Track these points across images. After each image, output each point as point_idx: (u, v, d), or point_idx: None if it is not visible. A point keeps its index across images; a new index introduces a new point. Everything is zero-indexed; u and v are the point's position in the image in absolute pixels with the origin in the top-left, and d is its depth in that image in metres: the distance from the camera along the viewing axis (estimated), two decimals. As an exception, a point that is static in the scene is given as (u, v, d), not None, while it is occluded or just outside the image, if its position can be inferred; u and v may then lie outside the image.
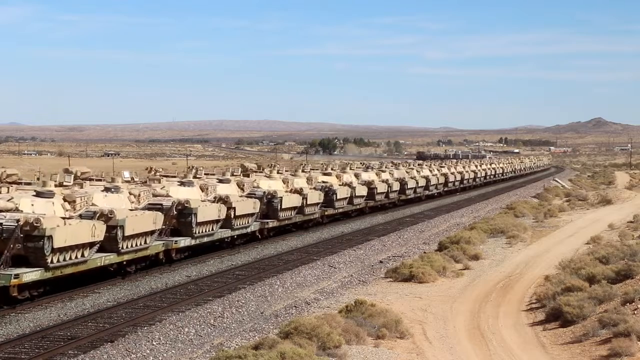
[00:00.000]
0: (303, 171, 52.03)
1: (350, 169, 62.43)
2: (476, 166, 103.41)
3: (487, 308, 24.57)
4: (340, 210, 52.29)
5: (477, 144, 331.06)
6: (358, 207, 55.73)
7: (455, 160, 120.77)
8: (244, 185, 41.25)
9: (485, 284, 28.80)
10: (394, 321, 20.91)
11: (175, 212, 32.28)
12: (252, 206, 38.72)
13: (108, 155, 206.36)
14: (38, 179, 28.62)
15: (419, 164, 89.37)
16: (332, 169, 58.75)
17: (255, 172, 46.79)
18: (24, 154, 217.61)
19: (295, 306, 25.12)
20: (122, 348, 19.87)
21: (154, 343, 20.58)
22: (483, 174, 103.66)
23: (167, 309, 24.49)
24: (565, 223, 49.73)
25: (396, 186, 64.23)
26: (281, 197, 42.12)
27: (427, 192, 74.65)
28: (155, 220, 30.25)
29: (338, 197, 50.61)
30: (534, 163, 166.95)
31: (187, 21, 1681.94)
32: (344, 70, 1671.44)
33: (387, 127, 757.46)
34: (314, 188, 48.24)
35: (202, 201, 34.91)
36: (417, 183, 70.68)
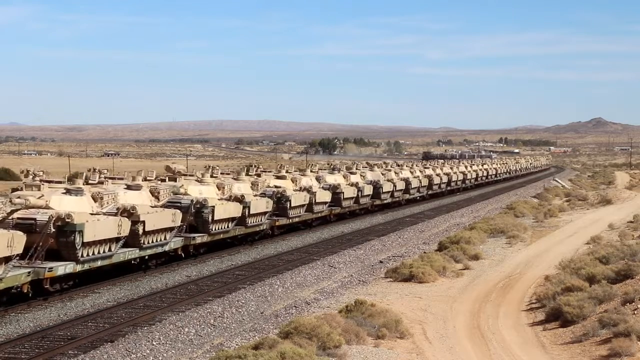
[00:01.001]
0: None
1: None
2: (466, 167, 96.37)
3: (487, 308, 24.57)
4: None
5: (477, 144, 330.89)
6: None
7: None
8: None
9: (485, 284, 28.80)
10: (394, 321, 20.91)
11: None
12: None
13: (108, 155, 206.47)
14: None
15: (397, 165, 76.74)
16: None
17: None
18: (24, 154, 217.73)
19: (295, 306, 25.12)
20: (122, 348, 19.87)
21: (154, 343, 20.58)
22: (474, 176, 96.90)
23: (167, 309, 24.49)
24: (565, 223, 49.73)
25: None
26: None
27: (406, 196, 66.89)
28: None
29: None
30: (530, 163, 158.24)
31: (187, 21, 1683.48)
32: (344, 70, 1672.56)
33: (387, 127, 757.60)
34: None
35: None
36: (395, 186, 62.71)
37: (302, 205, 45.36)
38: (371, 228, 49.53)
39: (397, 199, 64.75)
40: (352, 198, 53.86)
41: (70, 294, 26.45)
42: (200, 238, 34.76)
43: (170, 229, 31.63)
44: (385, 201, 61.28)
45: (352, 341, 19.33)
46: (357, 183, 55.09)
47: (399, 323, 20.96)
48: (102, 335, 21.29)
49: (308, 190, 46.49)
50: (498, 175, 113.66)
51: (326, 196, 49.34)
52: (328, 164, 72.55)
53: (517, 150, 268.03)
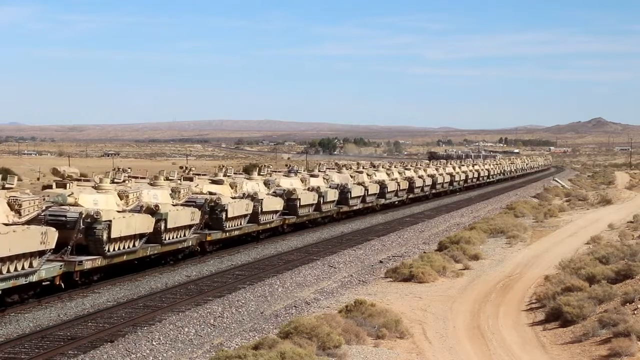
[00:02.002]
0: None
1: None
2: (454, 168, 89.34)
3: (487, 308, 24.56)
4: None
5: (477, 144, 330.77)
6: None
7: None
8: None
9: (485, 284, 28.80)
10: (393, 321, 20.91)
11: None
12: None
13: (108, 155, 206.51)
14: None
15: (374, 166, 70.63)
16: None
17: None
18: (24, 154, 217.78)
19: (295, 306, 25.12)
20: (122, 348, 19.87)
21: (154, 343, 20.57)
22: (462, 177, 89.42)
23: (167, 309, 24.49)
24: (565, 223, 49.72)
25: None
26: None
27: (381, 201, 60.69)
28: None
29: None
30: (526, 164, 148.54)
31: (187, 21, 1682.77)
32: (344, 70, 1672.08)
33: (387, 127, 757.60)
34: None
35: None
36: (367, 190, 57.18)
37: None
38: (371, 228, 49.53)
39: (369, 204, 57.79)
40: (311, 205, 47.20)
41: (70, 294, 26.47)
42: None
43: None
44: (354, 207, 54.78)
45: (352, 341, 19.33)
46: (318, 187, 48.36)
47: (399, 323, 20.96)
48: (102, 335, 21.29)
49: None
50: (491, 177, 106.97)
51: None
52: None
53: (517, 150, 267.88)
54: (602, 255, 29.11)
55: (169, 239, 31.86)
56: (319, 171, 52.47)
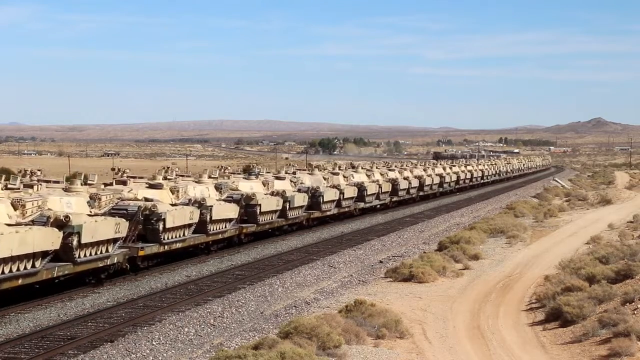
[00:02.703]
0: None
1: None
2: (444, 169, 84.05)
3: (487, 308, 24.57)
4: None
5: (477, 144, 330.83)
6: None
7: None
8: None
9: (485, 283, 28.80)
10: (393, 321, 20.91)
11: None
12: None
13: (108, 155, 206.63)
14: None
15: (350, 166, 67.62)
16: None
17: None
18: (24, 153, 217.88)
19: (295, 306, 25.13)
20: (122, 348, 19.87)
21: (154, 343, 20.58)
22: (453, 178, 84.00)
23: (167, 309, 24.50)
24: (565, 223, 49.73)
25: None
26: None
27: (361, 205, 56.20)
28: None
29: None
30: (523, 164, 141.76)
31: (187, 21, 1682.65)
32: (344, 70, 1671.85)
33: (387, 127, 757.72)
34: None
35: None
36: (343, 194, 52.62)
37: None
38: (371, 228, 49.55)
39: (345, 209, 53.65)
40: (274, 211, 42.40)
41: (70, 293, 26.47)
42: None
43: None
44: (327, 213, 49.89)
45: (352, 341, 19.33)
46: (283, 192, 43.54)
47: (399, 323, 20.96)
48: (102, 335, 21.29)
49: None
50: (485, 178, 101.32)
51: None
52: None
53: (517, 150, 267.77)
54: (602, 255, 29.11)
55: (84, 255, 26.99)
56: (286, 173, 49.61)
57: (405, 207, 65.23)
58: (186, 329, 22.13)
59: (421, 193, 72.05)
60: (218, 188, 39.23)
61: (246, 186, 41.71)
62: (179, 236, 33.01)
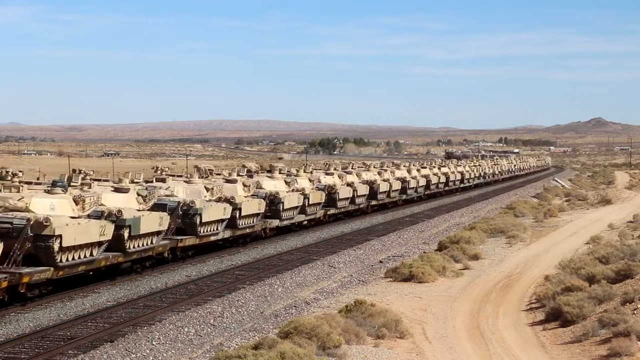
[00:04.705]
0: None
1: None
2: (409, 172, 71.26)
3: (486, 308, 24.57)
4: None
5: (477, 144, 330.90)
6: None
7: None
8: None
9: (485, 283, 28.81)
10: (393, 321, 20.92)
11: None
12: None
13: (108, 155, 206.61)
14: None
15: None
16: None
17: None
18: (24, 153, 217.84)
19: (295, 306, 25.13)
20: (122, 348, 19.88)
21: (154, 343, 20.58)
22: (422, 183, 71.62)
23: (167, 309, 24.50)
24: (565, 223, 49.74)
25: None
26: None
27: (332, 210, 50.97)
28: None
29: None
30: (514, 165, 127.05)
31: (186, 21, 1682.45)
32: (344, 70, 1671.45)
33: (387, 127, 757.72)
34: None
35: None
36: (308, 200, 46.54)
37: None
38: (371, 228, 49.54)
39: (312, 216, 47.89)
40: (222, 220, 36.64)
41: (70, 293, 26.48)
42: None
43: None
44: (286, 222, 43.95)
45: (351, 341, 19.34)
46: (232, 198, 37.41)
47: (399, 323, 20.97)
48: (102, 335, 21.29)
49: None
50: (465, 182, 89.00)
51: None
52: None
53: (516, 150, 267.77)
54: (602, 255, 29.12)
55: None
56: (238, 175, 43.13)
57: (406, 207, 65.19)
58: (186, 329, 22.14)
59: (388, 198, 62.58)
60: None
61: (181, 191, 35.70)
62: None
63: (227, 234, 37.39)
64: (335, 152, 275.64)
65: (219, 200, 36.89)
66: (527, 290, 27.17)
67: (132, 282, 29.15)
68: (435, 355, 19.21)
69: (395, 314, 21.98)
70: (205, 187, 37.35)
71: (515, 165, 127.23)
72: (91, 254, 27.04)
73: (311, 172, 52.98)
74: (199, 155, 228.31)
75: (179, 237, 33.15)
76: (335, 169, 57.49)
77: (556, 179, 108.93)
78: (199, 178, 39.16)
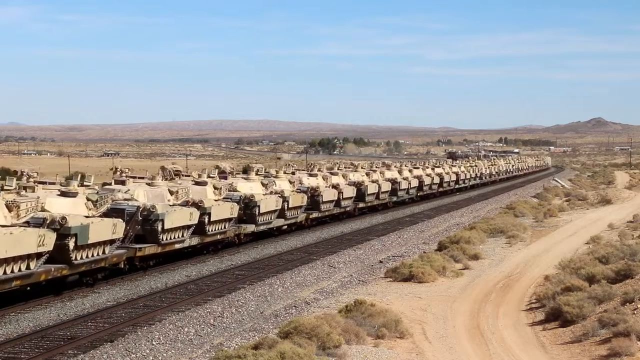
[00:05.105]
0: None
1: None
2: (400, 172, 68.27)
3: (486, 308, 24.57)
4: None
5: (477, 143, 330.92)
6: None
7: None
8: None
9: (485, 283, 28.81)
10: (393, 321, 20.92)
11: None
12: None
13: (108, 155, 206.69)
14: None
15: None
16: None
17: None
18: (24, 153, 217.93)
19: (295, 306, 25.14)
20: (121, 348, 19.88)
21: (154, 343, 20.58)
22: (414, 184, 68.81)
23: (167, 309, 24.50)
24: (565, 223, 49.74)
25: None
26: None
27: (314, 214, 48.12)
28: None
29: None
30: (512, 165, 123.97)
31: (186, 21, 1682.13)
32: (344, 70, 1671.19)
33: (387, 127, 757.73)
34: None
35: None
36: (286, 204, 43.26)
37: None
38: (371, 228, 49.54)
39: (292, 220, 44.89)
40: (187, 226, 33.73)
41: (70, 293, 26.48)
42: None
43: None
44: (261, 228, 40.74)
45: (351, 341, 19.34)
46: (201, 201, 34.72)
47: (399, 323, 20.97)
48: (102, 335, 21.29)
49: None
50: (461, 182, 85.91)
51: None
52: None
53: (516, 150, 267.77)
54: (602, 255, 29.12)
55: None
56: (209, 177, 39.80)
57: (405, 207, 65.17)
58: (186, 329, 22.14)
59: (361, 204, 56.75)
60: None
61: (143, 195, 32.72)
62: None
63: (195, 241, 34.17)
64: (335, 152, 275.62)
65: (185, 204, 33.70)
66: (527, 290, 27.16)
67: (132, 282, 29.15)
68: (435, 355, 19.21)
69: (395, 314, 21.98)
70: (169, 189, 33.97)
71: (513, 166, 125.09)
72: (27, 267, 23.83)
73: (293, 173, 50.36)
74: (198, 155, 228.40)
75: (137, 246, 29.89)
76: (319, 170, 54.19)
77: (556, 179, 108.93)
78: (162, 180, 35.28)
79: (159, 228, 30.72)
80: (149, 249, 30.72)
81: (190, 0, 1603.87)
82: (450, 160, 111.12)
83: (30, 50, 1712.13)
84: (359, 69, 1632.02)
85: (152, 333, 21.35)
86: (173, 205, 32.64)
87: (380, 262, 34.81)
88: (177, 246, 32.80)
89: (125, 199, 30.96)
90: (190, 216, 32.90)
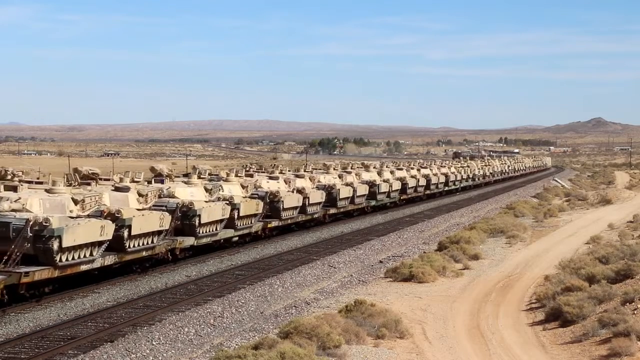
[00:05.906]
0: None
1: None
2: (379, 174, 62.86)
3: (486, 308, 24.57)
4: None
5: (477, 143, 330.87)
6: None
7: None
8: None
9: (485, 283, 28.80)
10: (393, 321, 20.92)
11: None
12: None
13: (108, 155, 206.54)
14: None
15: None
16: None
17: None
18: (24, 153, 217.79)
19: (295, 306, 25.13)
20: (122, 348, 19.87)
21: (154, 343, 20.58)
22: (396, 187, 63.18)
23: (167, 309, 24.49)
24: (565, 223, 49.73)
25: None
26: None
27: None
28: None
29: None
30: (508, 166, 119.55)
31: (187, 21, 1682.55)
32: (344, 70, 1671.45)
33: (387, 127, 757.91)
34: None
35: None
36: (238, 211, 38.45)
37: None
38: (371, 228, 49.52)
39: (244, 230, 39.17)
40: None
41: (70, 293, 26.46)
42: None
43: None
44: (203, 241, 35.00)
45: (351, 341, 19.34)
46: (118, 212, 28.87)
47: (399, 323, 20.96)
48: (102, 335, 21.29)
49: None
50: (450, 184, 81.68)
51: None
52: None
53: (517, 150, 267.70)
54: (602, 255, 29.13)
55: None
56: (133, 181, 34.10)
57: (406, 207, 65.16)
58: (186, 329, 22.13)
59: (333, 210, 52.21)
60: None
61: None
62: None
63: (110, 260, 27.98)
64: (335, 152, 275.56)
65: (100, 214, 27.93)
66: (527, 290, 27.16)
67: (132, 282, 29.14)
68: (435, 355, 19.21)
69: (395, 314, 21.98)
70: (73, 198, 27.38)
71: (509, 166, 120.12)
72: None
73: (250, 176, 44.23)
74: (198, 155, 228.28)
75: (24, 270, 23.74)
76: (285, 172, 50.60)
77: (556, 179, 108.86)
78: (66, 186, 28.77)
79: (54, 247, 24.71)
80: (41, 274, 24.55)
81: (191, 0, 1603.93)
82: (439, 160, 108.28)
83: (30, 50, 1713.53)
84: (359, 69, 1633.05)
85: (152, 333, 21.34)
86: (77, 218, 26.60)
87: (381, 262, 34.80)
88: (84, 267, 26.62)
89: (12, 210, 25.37)
90: (102, 230, 26.76)
